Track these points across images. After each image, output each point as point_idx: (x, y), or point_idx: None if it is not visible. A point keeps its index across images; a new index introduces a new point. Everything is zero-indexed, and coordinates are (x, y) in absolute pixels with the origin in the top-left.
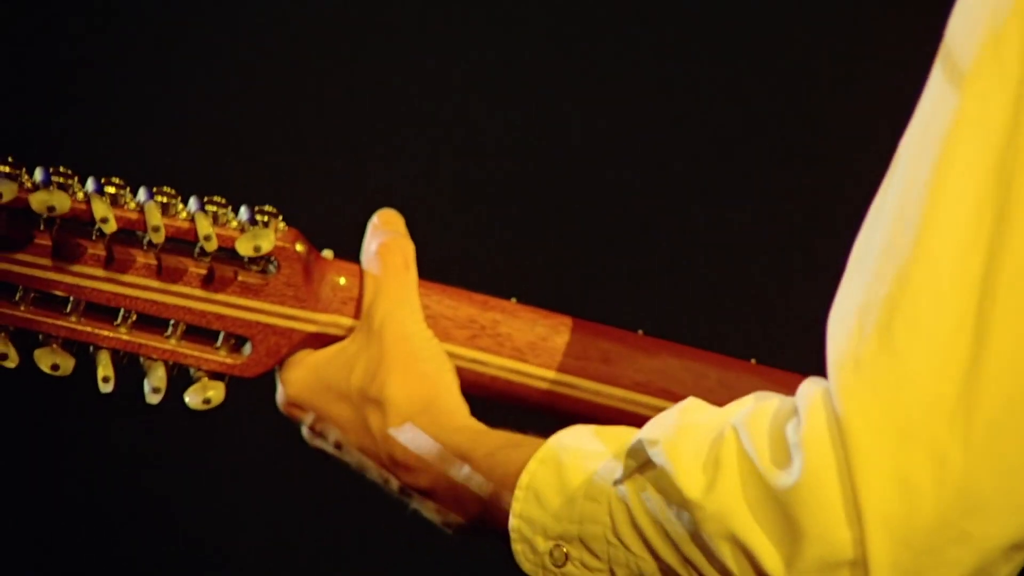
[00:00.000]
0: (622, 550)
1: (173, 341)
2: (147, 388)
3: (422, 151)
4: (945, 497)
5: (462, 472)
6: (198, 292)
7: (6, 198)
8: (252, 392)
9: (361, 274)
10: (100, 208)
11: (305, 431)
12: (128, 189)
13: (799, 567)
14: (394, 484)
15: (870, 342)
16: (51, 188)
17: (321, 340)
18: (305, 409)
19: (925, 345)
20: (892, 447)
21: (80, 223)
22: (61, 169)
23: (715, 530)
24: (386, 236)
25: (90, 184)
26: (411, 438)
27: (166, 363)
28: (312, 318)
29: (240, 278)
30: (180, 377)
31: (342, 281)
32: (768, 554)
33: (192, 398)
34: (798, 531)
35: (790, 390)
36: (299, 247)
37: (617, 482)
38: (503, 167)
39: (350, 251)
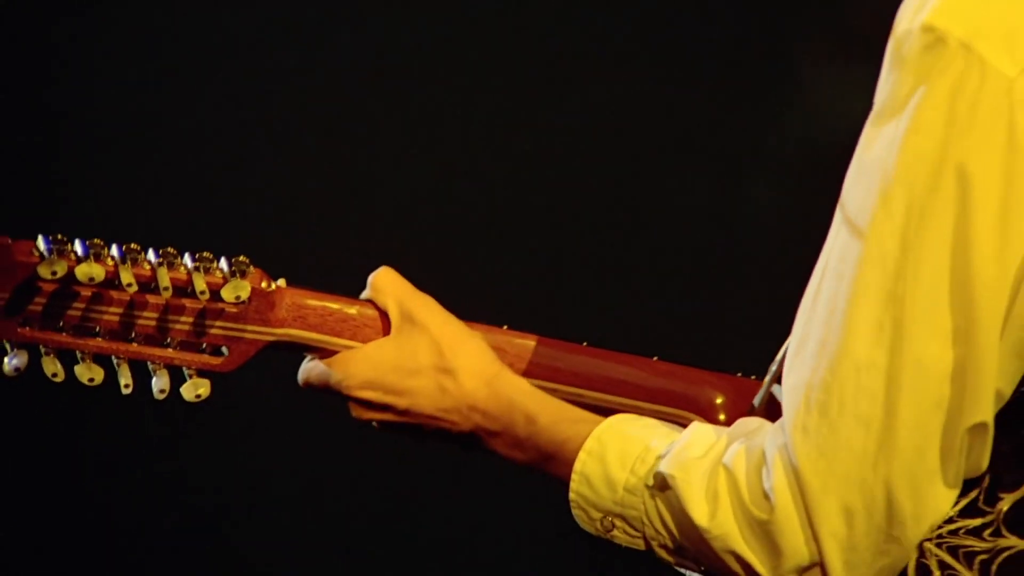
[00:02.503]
0: (652, 529)
1: (171, 350)
2: (155, 388)
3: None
4: (875, 519)
5: (530, 428)
6: (191, 321)
7: (60, 274)
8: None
9: (315, 295)
10: (126, 275)
11: (358, 410)
12: (142, 252)
13: (781, 570)
14: (464, 426)
15: (813, 415)
16: (90, 260)
17: (278, 347)
18: (376, 388)
19: (852, 418)
20: (834, 489)
21: (108, 282)
22: (96, 241)
23: (719, 546)
24: (377, 272)
25: (116, 251)
26: (485, 396)
27: (169, 368)
28: (272, 331)
29: (224, 310)
30: (176, 379)
31: (304, 303)
32: (759, 564)
33: (187, 392)
34: (778, 549)
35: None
36: (263, 284)
37: (649, 488)
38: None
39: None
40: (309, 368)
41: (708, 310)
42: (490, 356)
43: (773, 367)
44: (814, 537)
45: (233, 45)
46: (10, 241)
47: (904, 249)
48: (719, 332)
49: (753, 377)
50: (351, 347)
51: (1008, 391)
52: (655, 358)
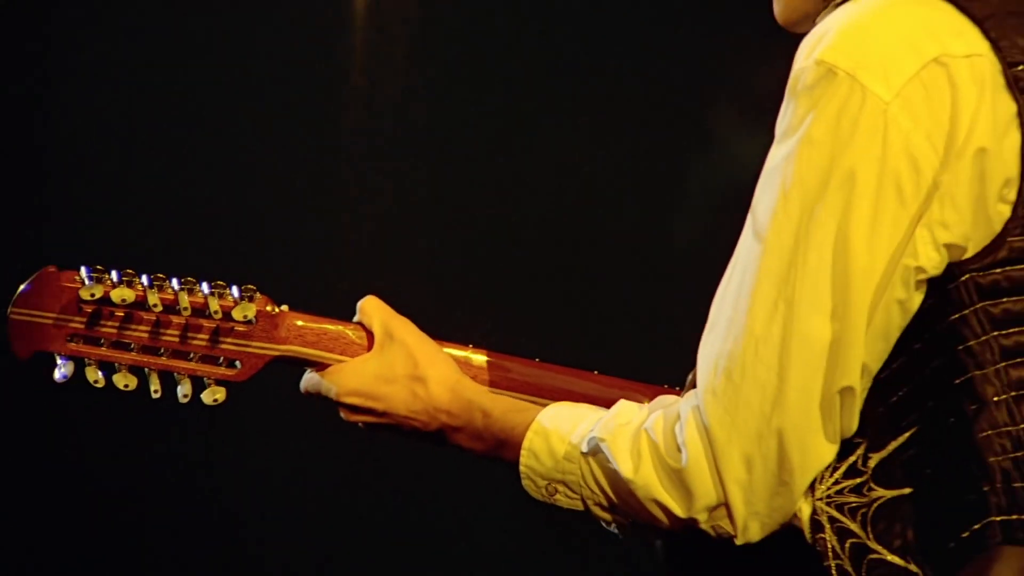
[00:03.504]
0: (588, 490)
1: (193, 363)
2: (179, 394)
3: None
4: (769, 466)
5: (486, 421)
6: (207, 343)
7: (97, 296)
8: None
9: (311, 318)
10: (152, 298)
11: (346, 414)
12: (166, 280)
13: (693, 510)
14: (425, 423)
15: (721, 380)
16: (122, 286)
17: (282, 361)
18: (360, 395)
19: (752, 382)
20: (736, 442)
21: (139, 303)
22: (127, 271)
23: (643, 495)
24: (364, 299)
25: (144, 279)
26: (448, 400)
27: (191, 377)
28: (276, 348)
29: (235, 328)
30: (197, 387)
31: (298, 324)
32: (676, 506)
33: (206, 397)
34: (691, 493)
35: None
36: (268, 308)
37: (584, 454)
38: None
39: (307, 302)
40: (307, 379)
41: (640, 330)
42: (454, 367)
43: (689, 377)
44: (720, 482)
45: (237, 93)
46: (57, 270)
47: (797, 241)
48: (648, 350)
49: (677, 388)
50: (342, 361)
51: (875, 367)
52: (595, 372)
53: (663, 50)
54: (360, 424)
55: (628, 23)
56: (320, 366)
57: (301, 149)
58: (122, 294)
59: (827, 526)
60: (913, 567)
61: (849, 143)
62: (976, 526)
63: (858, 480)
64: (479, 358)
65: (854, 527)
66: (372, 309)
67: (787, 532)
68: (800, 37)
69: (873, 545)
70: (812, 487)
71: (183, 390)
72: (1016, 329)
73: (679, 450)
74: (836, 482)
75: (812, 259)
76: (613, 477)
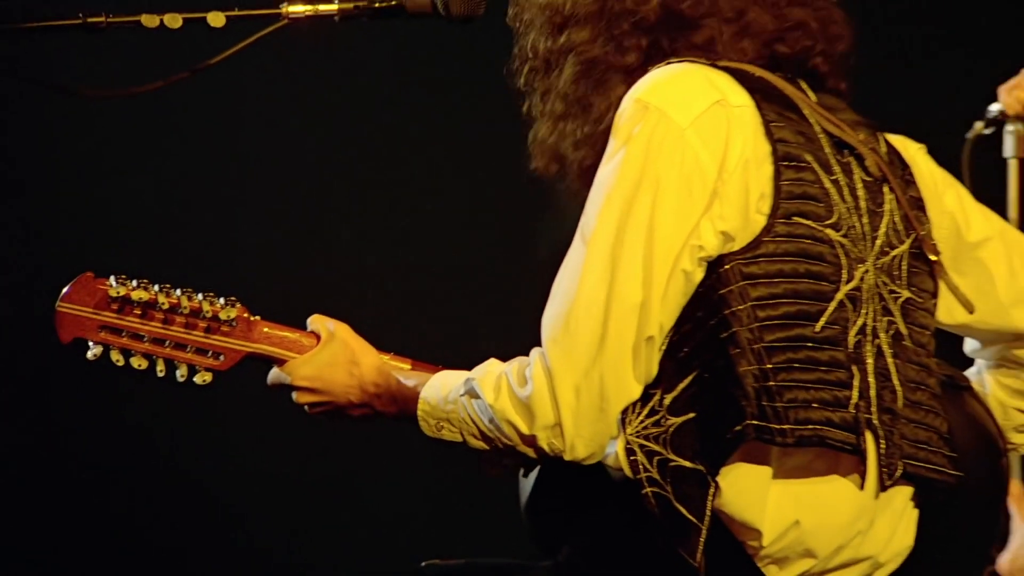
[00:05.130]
0: (464, 424)
1: (190, 354)
2: (178, 375)
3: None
4: (592, 396)
5: (397, 387)
6: (201, 337)
7: (121, 294)
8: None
9: (276, 326)
10: (162, 299)
11: (298, 395)
12: (173, 288)
13: (535, 428)
14: (359, 397)
15: (560, 330)
16: (139, 289)
17: (254, 357)
18: (309, 378)
19: (581, 333)
20: (569, 376)
21: (151, 303)
22: (144, 279)
23: (500, 417)
24: (313, 316)
25: (156, 286)
26: (375, 376)
27: (188, 365)
28: (249, 346)
29: (221, 328)
30: (191, 371)
31: (266, 330)
32: (523, 425)
33: (198, 379)
34: (533, 415)
35: None
36: (245, 315)
37: (461, 395)
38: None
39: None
40: (271, 374)
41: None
42: (377, 355)
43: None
44: (556, 407)
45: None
46: (93, 275)
47: (618, 229)
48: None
49: None
50: (296, 358)
51: (668, 324)
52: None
53: None
54: (307, 406)
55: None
56: (280, 363)
57: (280, 198)
58: (139, 295)
59: (638, 451)
60: (699, 466)
61: (657, 156)
62: (737, 428)
63: (657, 417)
64: (395, 363)
65: (657, 448)
66: (319, 320)
67: (611, 469)
68: None
69: (672, 457)
70: (624, 426)
71: (180, 372)
72: (765, 302)
73: (526, 383)
74: (641, 422)
75: (628, 241)
76: (480, 406)
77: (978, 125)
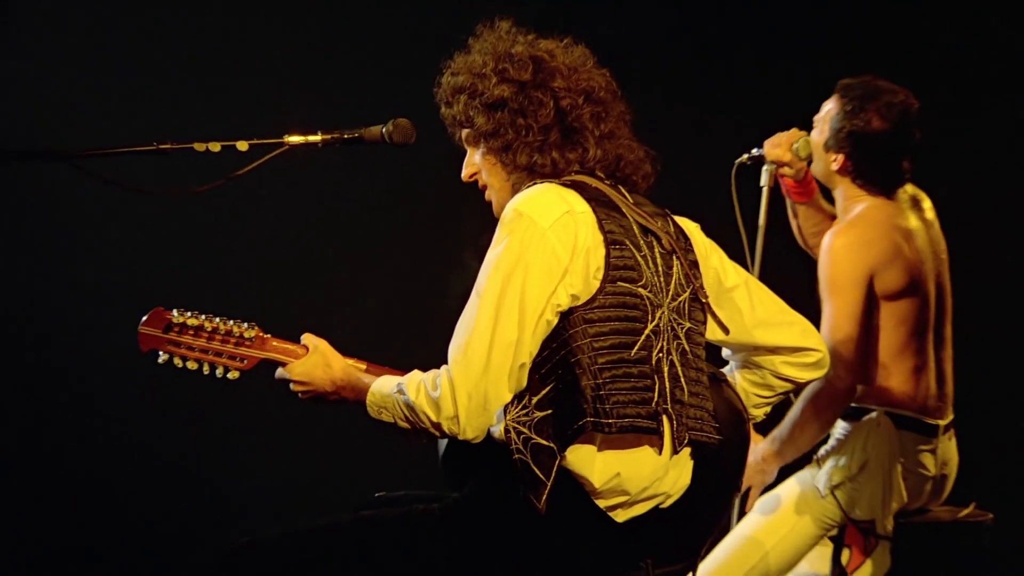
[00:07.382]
0: (397, 411)
1: (225, 359)
2: (216, 374)
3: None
4: (479, 398)
5: (356, 381)
6: (232, 348)
7: (179, 320)
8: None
9: (281, 341)
10: (207, 324)
11: (294, 386)
12: (215, 316)
13: (440, 418)
14: (331, 388)
15: (459, 354)
16: (194, 316)
17: (268, 363)
18: (300, 374)
19: (474, 359)
20: (465, 386)
21: (199, 327)
22: (196, 311)
23: (418, 409)
24: (304, 334)
25: (202, 316)
26: (342, 374)
27: (224, 366)
28: (263, 354)
29: (245, 342)
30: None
31: (274, 343)
32: (433, 414)
33: (230, 376)
34: (439, 409)
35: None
36: (259, 333)
37: (394, 392)
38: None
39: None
40: (278, 371)
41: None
42: (343, 360)
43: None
44: (455, 404)
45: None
46: (163, 308)
47: (501, 291)
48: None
49: None
50: (294, 362)
51: (535, 352)
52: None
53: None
54: (300, 394)
55: (630, 24)
56: (283, 365)
57: (280, 254)
58: (192, 321)
59: (512, 432)
60: (553, 444)
61: (528, 248)
62: (580, 423)
63: (527, 410)
64: (355, 363)
65: (525, 431)
66: (308, 336)
67: (496, 441)
68: None
69: (534, 437)
70: (505, 414)
71: (219, 371)
72: (599, 337)
73: (437, 388)
74: (516, 413)
75: (507, 301)
76: (406, 401)
77: (744, 156)
